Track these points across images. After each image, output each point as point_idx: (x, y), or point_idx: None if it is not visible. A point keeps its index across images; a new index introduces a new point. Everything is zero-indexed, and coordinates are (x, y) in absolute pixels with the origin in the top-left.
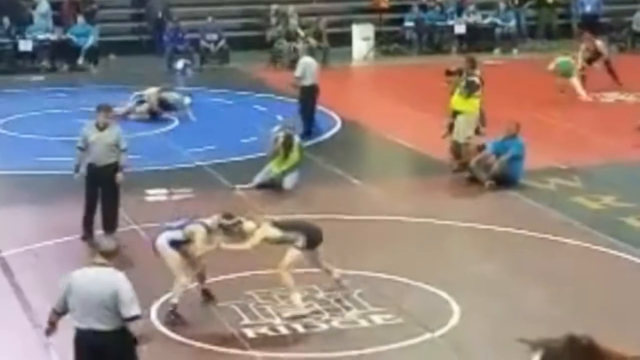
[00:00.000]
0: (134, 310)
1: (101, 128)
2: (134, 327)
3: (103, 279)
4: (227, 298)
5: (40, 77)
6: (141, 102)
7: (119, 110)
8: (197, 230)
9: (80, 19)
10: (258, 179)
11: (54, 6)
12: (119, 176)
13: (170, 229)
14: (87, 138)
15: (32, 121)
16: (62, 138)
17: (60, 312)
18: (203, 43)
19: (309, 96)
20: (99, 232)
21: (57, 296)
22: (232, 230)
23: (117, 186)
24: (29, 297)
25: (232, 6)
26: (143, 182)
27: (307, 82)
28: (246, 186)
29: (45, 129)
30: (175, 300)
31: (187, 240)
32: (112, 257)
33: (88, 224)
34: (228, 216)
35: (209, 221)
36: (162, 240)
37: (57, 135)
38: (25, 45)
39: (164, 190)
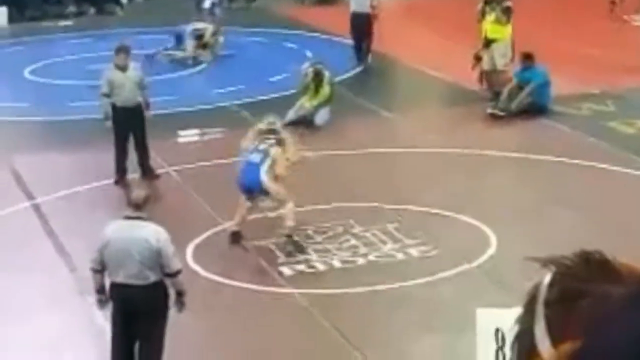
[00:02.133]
0: (176, 264)
1: (123, 69)
2: (177, 281)
3: (141, 233)
4: (263, 237)
5: (68, 22)
6: (199, 36)
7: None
8: (276, 152)
9: None
10: (289, 115)
11: None
12: (149, 113)
13: (255, 164)
14: (112, 82)
15: (61, 67)
16: (92, 82)
17: (100, 269)
18: None
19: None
20: (133, 175)
21: (94, 252)
22: (280, 138)
23: (145, 125)
24: (63, 241)
25: None
26: (174, 123)
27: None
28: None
29: (74, 74)
30: (292, 223)
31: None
32: (144, 207)
33: (120, 167)
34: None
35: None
36: (263, 176)
37: (87, 79)
38: None
39: (196, 131)
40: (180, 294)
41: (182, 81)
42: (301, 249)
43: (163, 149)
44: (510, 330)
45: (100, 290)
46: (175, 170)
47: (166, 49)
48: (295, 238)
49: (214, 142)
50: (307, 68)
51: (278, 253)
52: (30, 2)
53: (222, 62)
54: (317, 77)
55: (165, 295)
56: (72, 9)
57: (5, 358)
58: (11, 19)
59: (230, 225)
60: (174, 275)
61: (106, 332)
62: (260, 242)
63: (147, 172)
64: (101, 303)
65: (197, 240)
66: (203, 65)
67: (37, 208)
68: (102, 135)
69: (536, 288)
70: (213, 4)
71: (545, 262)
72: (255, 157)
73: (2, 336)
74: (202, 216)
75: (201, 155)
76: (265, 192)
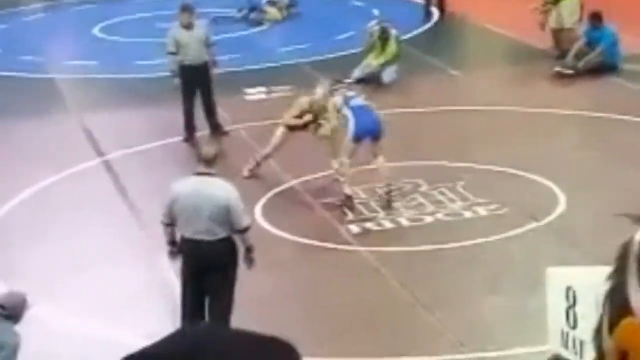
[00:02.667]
0: (246, 221)
1: (188, 28)
2: (247, 238)
3: (211, 190)
4: (331, 195)
5: None
6: (272, 2)
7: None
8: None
9: None
10: (357, 73)
11: None
12: (215, 71)
13: (367, 105)
14: (178, 41)
15: (131, 25)
16: (160, 41)
17: (170, 222)
18: None
19: None
20: (202, 133)
21: (164, 207)
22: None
23: (212, 83)
24: (134, 199)
25: None
26: (242, 81)
27: None
28: (345, 82)
29: (143, 32)
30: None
31: None
32: (214, 163)
33: (189, 125)
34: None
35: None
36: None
37: (155, 37)
38: None
39: (263, 89)
40: (249, 251)
41: (250, 39)
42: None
43: (231, 106)
44: (600, 287)
45: (171, 243)
46: (243, 128)
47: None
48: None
49: (281, 100)
50: (373, 26)
51: (346, 210)
52: None
53: (289, 20)
54: (384, 35)
55: (235, 252)
56: None
57: (78, 314)
58: None
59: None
60: (243, 231)
61: (177, 287)
62: (329, 199)
63: (216, 129)
64: (172, 255)
65: (265, 198)
66: (271, 24)
67: (108, 165)
68: (171, 94)
69: (627, 245)
70: None
71: (637, 219)
72: (360, 101)
73: (74, 293)
74: (271, 174)
75: (269, 113)
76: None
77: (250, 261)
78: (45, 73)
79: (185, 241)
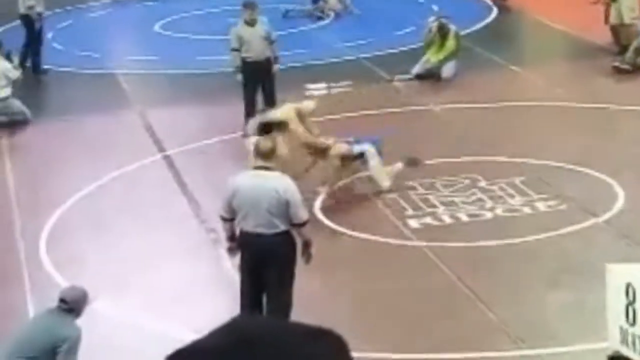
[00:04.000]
0: (303, 215)
1: (251, 24)
2: (304, 232)
3: (269, 183)
4: (390, 189)
5: None
6: None
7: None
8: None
9: None
10: (416, 69)
11: None
12: (276, 67)
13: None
14: (241, 37)
15: (191, 21)
16: (220, 37)
17: (229, 217)
18: None
19: None
20: None
21: (223, 201)
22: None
23: (274, 79)
24: (195, 194)
25: None
26: (302, 77)
27: None
28: (404, 77)
29: (203, 29)
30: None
31: None
32: (271, 157)
33: (249, 120)
34: None
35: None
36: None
37: (215, 34)
38: None
39: (324, 84)
40: (307, 244)
41: (310, 34)
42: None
43: (292, 101)
44: None
45: (230, 238)
46: None
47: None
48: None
49: (342, 95)
50: (432, 22)
51: (405, 205)
52: None
53: (349, 15)
54: (442, 30)
55: (293, 246)
56: None
57: (139, 306)
58: None
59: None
60: (301, 225)
61: (235, 281)
62: (387, 194)
63: None
64: (231, 251)
65: (325, 193)
66: (331, 19)
67: (168, 160)
68: (231, 89)
69: None
70: None
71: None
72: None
73: (136, 285)
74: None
75: (330, 108)
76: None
77: (308, 255)
78: (108, 69)
79: (244, 234)
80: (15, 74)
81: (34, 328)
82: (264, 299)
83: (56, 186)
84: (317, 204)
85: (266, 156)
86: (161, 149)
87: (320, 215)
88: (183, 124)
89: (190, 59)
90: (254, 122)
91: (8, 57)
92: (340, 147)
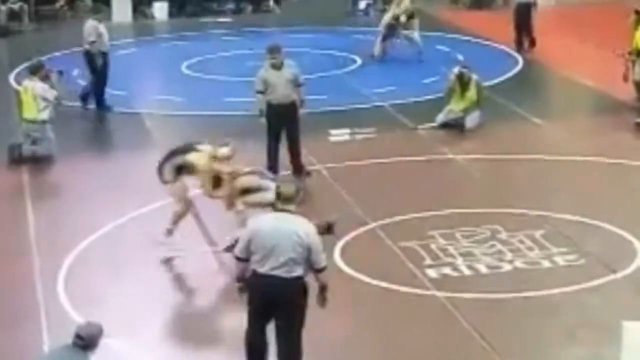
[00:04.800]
0: (324, 261)
1: (278, 67)
2: (322, 277)
3: (291, 227)
4: (409, 238)
5: (226, 19)
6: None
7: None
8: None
9: None
10: (440, 118)
11: None
12: (302, 111)
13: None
14: (266, 80)
15: (217, 62)
16: (246, 79)
17: (244, 258)
18: None
19: None
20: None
21: (241, 242)
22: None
23: (299, 122)
24: (215, 235)
25: None
26: (326, 122)
27: None
28: (428, 126)
29: (230, 70)
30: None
31: None
32: (293, 201)
33: (272, 163)
34: None
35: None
36: None
37: (241, 76)
38: None
39: (347, 130)
40: (323, 289)
41: (334, 80)
42: None
43: (315, 147)
44: None
45: (241, 278)
46: (326, 168)
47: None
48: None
49: (365, 141)
50: (452, 71)
51: (424, 254)
52: None
53: (374, 62)
54: (461, 80)
55: (306, 291)
56: (230, 6)
57: (155, 345)
58: (171, 14)
59: None
60: (321, 270)
61: None
62: (407, 243)
63: (299, 169)
64: (241, 290)
65: (345, 239)
66: (357, 64)
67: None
68: (255, 131)
69: None
70: (368, 5)
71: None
72: None
73: (149, 325)
74: (351, 215)
75: (352, 154)
76: None
77: (323, 300)
78: (133, 108)
79: (258, 277)
80: (53, 93)
81: None
82: (269, 345)
83: (76, 224)
84: (337, 250)
85: (288, 200)
86: None
87: (339, 261)
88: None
89: (217, 100)
90: (169, 166)
91: (46, 77)
92: (247, 180)
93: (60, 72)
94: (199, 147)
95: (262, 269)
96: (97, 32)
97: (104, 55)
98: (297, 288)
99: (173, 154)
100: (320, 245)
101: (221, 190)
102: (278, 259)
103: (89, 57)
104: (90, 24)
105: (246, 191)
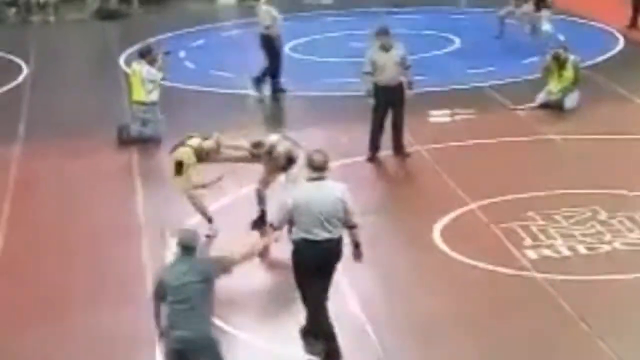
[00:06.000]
0: (357, 217)
1: (386, 49)
2: (357, 233)
3: (328, 190)
4: (509, 219)
5: (328, 0)
6: None
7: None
8: None
9: None
10: (539, 99)
11: None
12: (409, 93)
13: None
14: (375, 62)
15: (321, 43)
16: (349, 60)
17: (279, 227)
18: None
19: None
20: (384, 153)
21: (280, 212)
22: None
23: (405, 104)
24: None
25: None
26: (426, 103)
27: None
28: (527, 106)
29: (333, 52)
30: None
31: None
32: (325, 169)
33: (375, 144)
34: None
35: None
36: None
37: (344, 57)
38: None
39: (447, 111)
40: (358, 245)
41: (434, 60)
42: None
43: (415, 127)
44: None
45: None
46: (425, 149)
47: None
48: None
49: (465, 122)
50: (549, 52)
51: (523, 235)
52: None
53: (475, 42)
54: (557, 61)
55: (341, 249)
56: None
57: (278, 339)
58: None
59: None
60: (355, 226)
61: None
62: (506, 223)
63: (399, 149)
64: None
65: (444, 220)
66: (456, 45)
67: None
68: (358, 112)
69: None
70: None
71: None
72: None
73: (273, 318)
74: (451, 196)
75: (452, 135)
76: None
77: (359, 255)
78: (237, 88)
79: (310, 243)
80: (159, 75)
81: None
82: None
83: (184, 204)
84: (437, 230)
85: (321, 168)
86: None
87: (439, 242)
88: (308, 146)
89: (320, 82)
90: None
91: (154, 60)
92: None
93: (167, 53)
94: (189, 141)
95: (313, 236)
96: (271, 16)
97: (278, 38)
98: (340, 248)
99: (171, 151)
100: (353, 203)
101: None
102: (327, 224)
103: (266, 41)
104: (263, 9)
105: (291, 160)
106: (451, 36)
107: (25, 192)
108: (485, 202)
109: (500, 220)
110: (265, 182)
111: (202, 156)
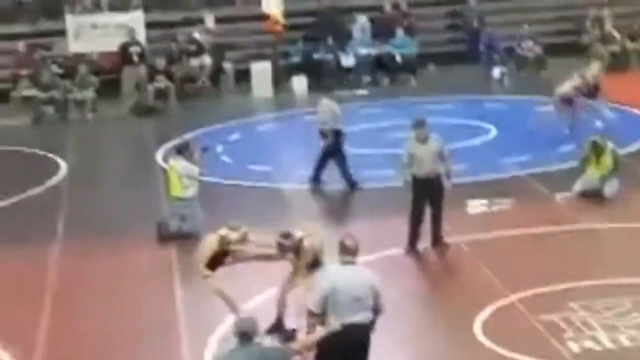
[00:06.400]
0: (383, 304)
1: (423, 141)
2: (377, 319)
3: (361, 276)
4: (550, 311)
5: (363, 91)
6: None
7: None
8: None
9: (399, 32)
10: (577, 187)
11: (373, 20)
12: (448, 184)
13: None
14: (413, 154)
15: (356, 135)
16: (385, 151)
17: (320, 313)
18: (519, 51)
19: None
20: (423, 244)
21: (317, 297)
22: None
23: (444, 196)
24: None
25: (547, 12)
26: (463, 192)
27: None
28: (566, 195)
29: (368, 143)
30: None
31: None
32: (357, 254)
33: (414, 236)
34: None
35: None
36: None
37: (380, 148)
38: (347, 61)
39: (484, 201)
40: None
41: (471, 150)
42: None
43: (452, 217)
44: None
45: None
46: (464, 241)
47: None
48: None
49: (503, 212)
50: (587, 140)
51: (565, 327)
52: (327, 71)
53: (510, 131)
54: (595, 148)
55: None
56: (367, 78)
57: None
58: (309, 88)
59: None
60: (380, 312)
61: None
62: (547, 315)
63: (438, 241)
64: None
65: (484, 313)
66: (493, 133)
67: None
68: (395, 204)
69: None
70: (502, 73)
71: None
72: None
73: None
74: (490, 288)
75: (489, 225)
76: None
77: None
78: (274, 182)
79: (343, 327)
80: (196, 170)
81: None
82: None
83: (220, 302)
84: (478, 323)
85: (353, 252)
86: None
87: (479, 335)
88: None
89: (355, 173)
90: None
91: (191, 155)
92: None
93: (205, 149)
94: (218, 231)
95: (346, 320)
96: (331, 111)
97: (334, 132)
98: (371, 332)
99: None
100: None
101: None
102: (360, 309)
103: (325, 136)
104: (324, 103)
105: (316, 262)
106: (487, 125)
107: (64, 291)
108: (526, 293)
109: (541, 312)
110: (290, 283)
111: (226, 247)
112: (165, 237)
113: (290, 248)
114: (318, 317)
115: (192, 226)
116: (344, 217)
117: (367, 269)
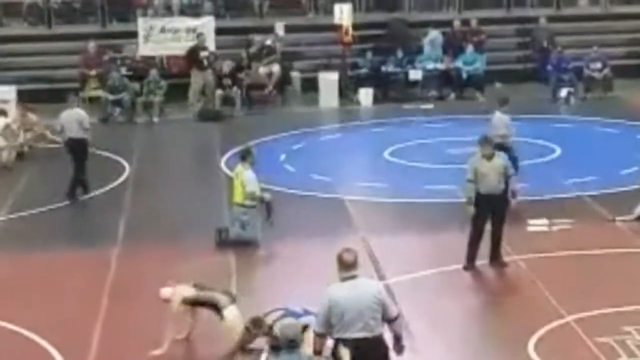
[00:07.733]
0: (395, 311)
1: (489, 158)
2: (397, 326)
3: (363, 288)
4: (605, 333)
5: (429, 106)
6: None
7: None
8: None
9: (469, 48)
10: (638, 210)
11: (444, 35)
12: (512, 201)
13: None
14: (477, 169)
15: (419, 149)
16: (448, 166)
17: (324, 333)
18: (587, 72)
19: None
20: (481, 262)
21: (320, 317)
22: None
23: (506, 213)
24: (410, 323)
25: (617, 34)
26: (524, 211)
27: None
28: (626, 218)
29: (432, 157)
30: None
31: None
32: (356, 267)
33: (473, 253)
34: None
35: None
36: None
37: (443, 163)
38: (415, 75)
39: (545, 221)
40: (398, 338)
41: (535, 169)
42: None
43: (513, 236)
44: None
45: (319, 352)
46: (522, 259)
47: None
48: None
49: (563, 232)
50: None
51: (620, 351)
52: (394, 84)
53: (575, 151)
54: None
55: (387, 347)
56: (433, 92)
57: None
58: (376, 99)
59: None
60: (394, 320)
61: None
62: (602, 338)
63: (496, 259)
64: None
65: (539, 333)
66: (557, 153)
67: (388, 288)
68: (455, 220)
69: None
70: (569, 93)
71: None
72: None
73: None
74: (546, 308)
75: (549, 245)
76: None
77: (400, 348)
78: (337, 193)
79: (347, 342)
80: (252, 187)
81: None
82: None
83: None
84: (531, 344)
85: (352, 267)
86: (380, 277)
87: (533, 355)
88: (406, 253)
89: (418, 188)
90: None
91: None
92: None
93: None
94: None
95: (350, 335)
96: (505, 124)
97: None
98: (383, 344)
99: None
100: (388, 297)
101: None
102: (362, 321)
103: (500, 149)
104: (497, 116)
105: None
106: (552, 144)
107: (122, 292)
108: (582, 315)
109: (596, 334)
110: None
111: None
112: (224, 243)
113: (256, 336)
114: (324, 337)
115: (251, 234)
116: (402, 230)
117: (370, 280)
